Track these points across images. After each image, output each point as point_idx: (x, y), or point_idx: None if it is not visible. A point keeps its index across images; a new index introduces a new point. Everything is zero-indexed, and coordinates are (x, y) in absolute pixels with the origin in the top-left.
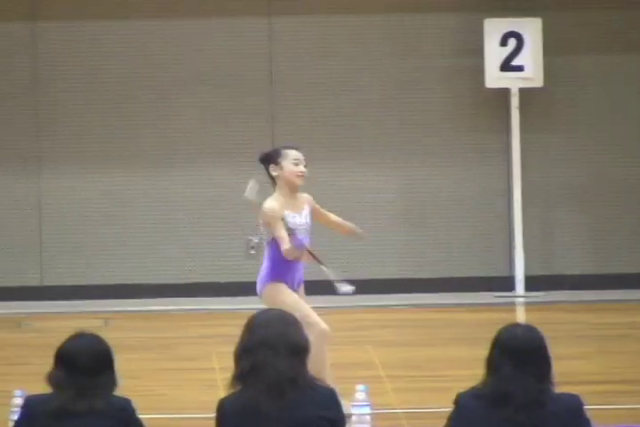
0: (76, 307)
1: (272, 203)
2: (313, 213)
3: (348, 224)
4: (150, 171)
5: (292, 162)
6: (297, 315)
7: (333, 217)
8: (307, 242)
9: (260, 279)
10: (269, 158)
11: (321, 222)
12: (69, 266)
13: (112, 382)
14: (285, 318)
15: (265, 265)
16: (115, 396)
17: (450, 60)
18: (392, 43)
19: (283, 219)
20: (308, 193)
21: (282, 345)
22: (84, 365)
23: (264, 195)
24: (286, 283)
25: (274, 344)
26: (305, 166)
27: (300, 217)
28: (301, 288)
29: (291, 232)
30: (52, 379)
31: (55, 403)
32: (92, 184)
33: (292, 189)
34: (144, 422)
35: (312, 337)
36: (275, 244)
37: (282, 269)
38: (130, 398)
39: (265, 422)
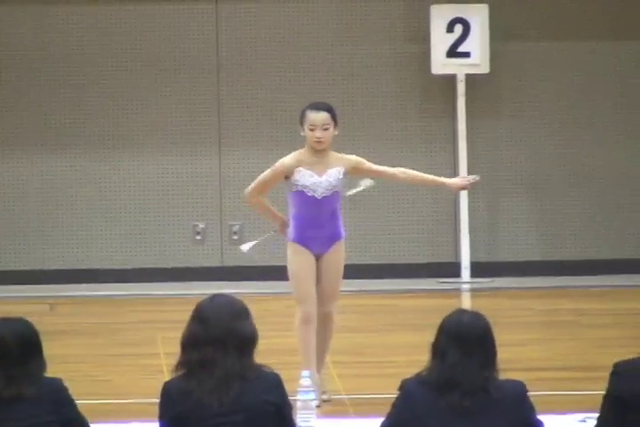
0: (21, 292)
1: (285, 157)
2: (363, 173)
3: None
4: (97, 155)
5: (309, 127)
6: (292, 289)
7: (389, 171)
8: (327, 199)
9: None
10: (299, 117)
11: (386, 180)
12: (14, 251)
13: (41, 368)
14: (234, 309)
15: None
16: (45, 378)
17: (396, 46)
18: (339, 29)
19: (287, 176)
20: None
21: (230, 341)
22: (12, 352)
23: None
24: (307, 246)
25: (223, 341)
26: (326, 129)
27: (320, 177)
28: (334, 248)
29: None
30: None
31: None
32: (37, 169)
33: (316, 151)
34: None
35: (296, 319)
36: (294, 199)
37: (302, 228)
38: (64, 378)
39: (209, 407)
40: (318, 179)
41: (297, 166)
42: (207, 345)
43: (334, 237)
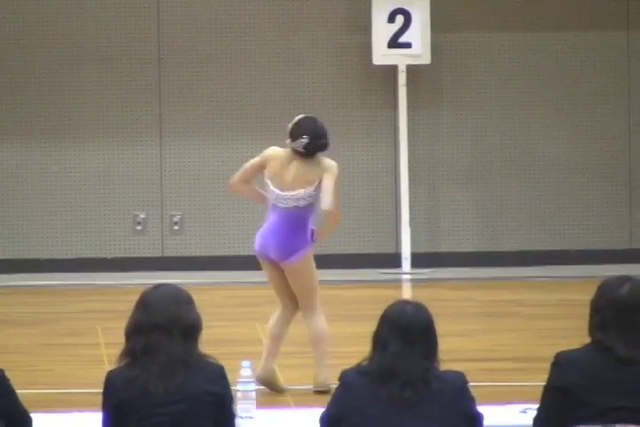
0: None
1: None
2: None
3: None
4: (38, 145)
5: None
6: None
7: None
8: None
9: (295, 245)
10: None
11: None
12: None
13: None
14: (178, 296)
15: (299, 231)
16: None
17: (338, 35)
18: (281, 19)
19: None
20: (198, 171)
21: (175, 327)
22: None
23: None
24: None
25: (167, 327)
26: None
27: None
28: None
29: None
30: None
31: None
32: None
33: None
34: (16, 391)
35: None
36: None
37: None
38: (4, 369)
39: (152, 396)
40: None
41: None
42: (151, 331)
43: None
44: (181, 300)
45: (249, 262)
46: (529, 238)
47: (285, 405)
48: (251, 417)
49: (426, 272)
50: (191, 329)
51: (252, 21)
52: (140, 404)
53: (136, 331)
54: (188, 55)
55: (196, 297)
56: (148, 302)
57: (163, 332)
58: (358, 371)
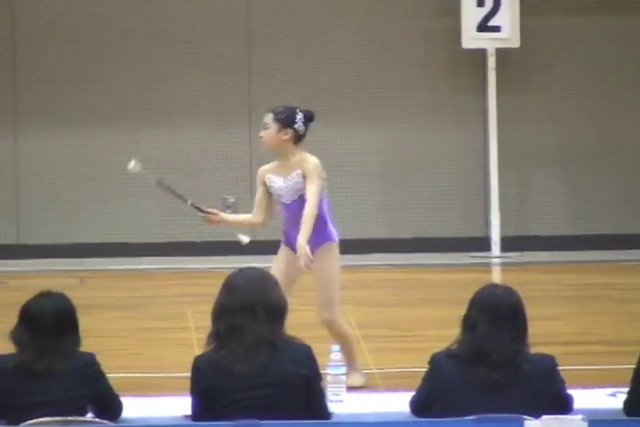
0: (53, 265)
1: (263, 166)
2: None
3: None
4: (128, 130)
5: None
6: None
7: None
8: (289, 206)
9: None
10: None
11: None
12: (46, 225)
13: (75, 343)
14: (264, 278)
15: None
16: (78, 352)
17: (427, 20)
18: (370, 3)
19: (264, 183)
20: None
21: (260, 308)
22: (48, 326)
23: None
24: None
25: (252, 307)
26: (266, 128)
27: (281, 181)
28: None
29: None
30: (14, 337)
31: (15, 362)
32: (70, 143)
33: (281, 155)
34: (107, 376)
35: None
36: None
37: (284, 233)
38: (95, 353)
39: (239, 380)
40: (279, 184)
41: (268, 172)
42: (236, 312)
43: (313, 243)
44: (267, 282)
45: (341, 246)
46: (618, 222)
47: (375, 388)
48: (341, 401)
49: (515, 256)
50: (277, 310)
51: (342, 4)
52: (229, 388)
53: (221, 313)
54: (278, 38)
55: None
56: (232, 285)
57: (248, 312)
58: (448, 354)
